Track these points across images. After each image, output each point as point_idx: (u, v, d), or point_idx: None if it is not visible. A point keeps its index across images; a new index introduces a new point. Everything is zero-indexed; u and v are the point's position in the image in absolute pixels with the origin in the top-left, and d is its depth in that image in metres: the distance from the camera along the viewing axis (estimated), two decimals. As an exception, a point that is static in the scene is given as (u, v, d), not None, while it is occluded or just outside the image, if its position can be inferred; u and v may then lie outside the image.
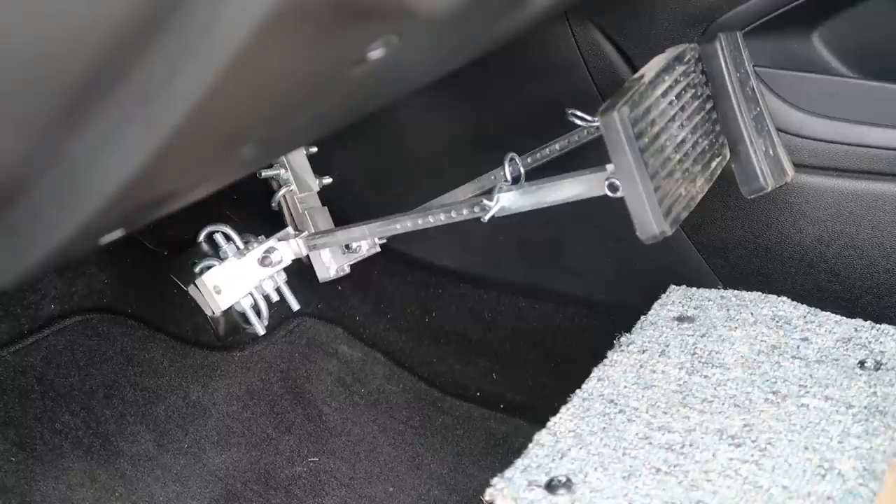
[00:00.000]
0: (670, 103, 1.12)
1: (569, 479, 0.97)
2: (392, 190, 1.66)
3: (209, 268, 1.38)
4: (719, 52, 1.19)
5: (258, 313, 1.44)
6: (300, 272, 1.54)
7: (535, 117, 1.46)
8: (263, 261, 1.39)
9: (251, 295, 1.42)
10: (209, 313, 1.41)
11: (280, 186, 1.54)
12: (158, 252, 1.69)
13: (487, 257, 1.62)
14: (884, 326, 1.19)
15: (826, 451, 0.99)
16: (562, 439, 1.04)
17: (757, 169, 1.19)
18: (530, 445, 1.04)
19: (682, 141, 1.12)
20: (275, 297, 1.45)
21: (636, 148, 1.03)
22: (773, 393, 1.09)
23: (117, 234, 0.86)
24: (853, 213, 1.27)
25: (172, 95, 0.61)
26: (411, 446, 1.50)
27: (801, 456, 0.98)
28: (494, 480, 0.99)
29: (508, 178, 1.25)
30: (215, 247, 1.46)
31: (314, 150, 1.57)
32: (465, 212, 1.19)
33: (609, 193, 1.06)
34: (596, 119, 1.06)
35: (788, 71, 1.28)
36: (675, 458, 1.00)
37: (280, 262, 1.39)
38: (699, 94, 1.18)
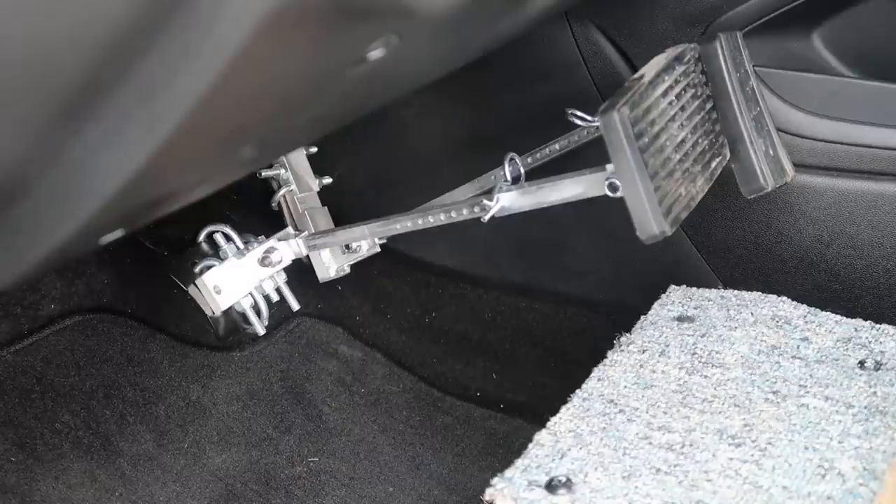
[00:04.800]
0: (670, 103, 1.12)
1: (569, 479, 0.97)
2: (392, 190, 1.66)
3: (209, 268, 1.38)
4: (719, 52, 1.19)
5: (258, 313, 1.44)
6: (300, 272, 1.54)
7: (535, 117, 1.46)
8: (263, 261, 1.38)
9: (251, 295, 1.42)
10: (209, 313, 1.41)
11: (280, 186, 1.54)
12: (158, 252, 1.69)
13: (487, 257, 1.62)
14: (884, 326, 1.19)
15: (826, 451, 0.99)
16: (562, 439, 1.04)
17: (757, 169, 1.19)
18: (530, 445, 1.04)
19: (682, 141, 1.12)
20: (275, 297, 1.45)
21: (636, 148, 1.03)
22: (773, 393, 1.09)
23: (117, 234, 0.85)
24: (853, 213, 1.27)
25: (172, 95, 0.61)
26: (411, 446, 1.50)
27: (802, 456, 0.98)
28: (494, 480, 0.99)
29: (508, 178, 1.25)
30: (215, 247, 1.46)
31: (314, 150, 1.57)
32: (465, 212, 1.19)
33: (609, 193, 1.06)
34: (596, 119, 1.05)
35: (788, 71, 1.28)
36: (675, 458, 1.00)
37: (280, 262, 1.39)
38: (699, 94, 1.18)
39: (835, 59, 1.29)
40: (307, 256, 1.44)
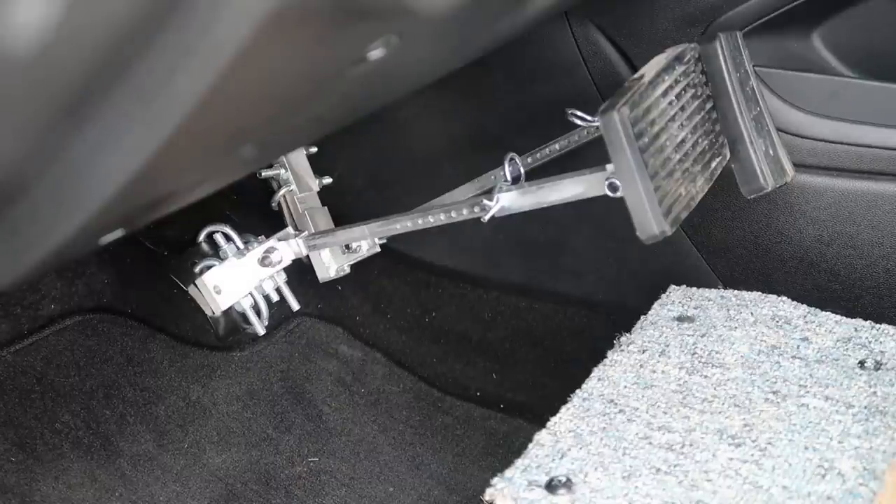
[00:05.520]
0: (670, 103, 1.12)
1: (569, 479, 0.97)
2: (392, 190, 1.66)
3: (209, 268, 1.38)
4: (719, 52, 1.18)
5: (258, 313, 1.44)
6: (300, 272, 1.54)
7: (535, 117, 1.46)
8: (263, 261, 1.38)
9: (251, 295, 1.42)
10: (209, 313, 1.41)
11: (280, 186, 1.55)
12: (158, 252, 1.69)
13: (487, 257, 1.62)
14: (884, 326, 1.19)
15: (826, 451, 0.99)
16: (562, 439, 1.04)
17: (757, 169, 1.19)
18: (530, 445, 1.04)
19: (682, 141, 1.12)
20: (275, 297, 1.45)
21: (636, 148, 1.03)
22: (773, 393, 1.09)
23: (117, 234, 0.85)
24: (853, 213, 1.27)
25: (172, 95, 0.61)
26: (411, 446, 1.50)
27: (801, 456, 0.98)
28: (494, 480, 0.99)
29: (508, 178, 1.25)
30: (215, 247, 1.46)
31: (314, 150, 1.57)
32: (465, 212, 1.19)
33: (609, 193, 1.06)
34: (596, 119, 1.05)
35: (788, 71, 1.28)
36: (675, 457, 1.00)
37: (280, 262, 1.39)
38: (699, 94, 1.18)
39: (835, 59, 1.29)
40: (307, 256, 1.44)
